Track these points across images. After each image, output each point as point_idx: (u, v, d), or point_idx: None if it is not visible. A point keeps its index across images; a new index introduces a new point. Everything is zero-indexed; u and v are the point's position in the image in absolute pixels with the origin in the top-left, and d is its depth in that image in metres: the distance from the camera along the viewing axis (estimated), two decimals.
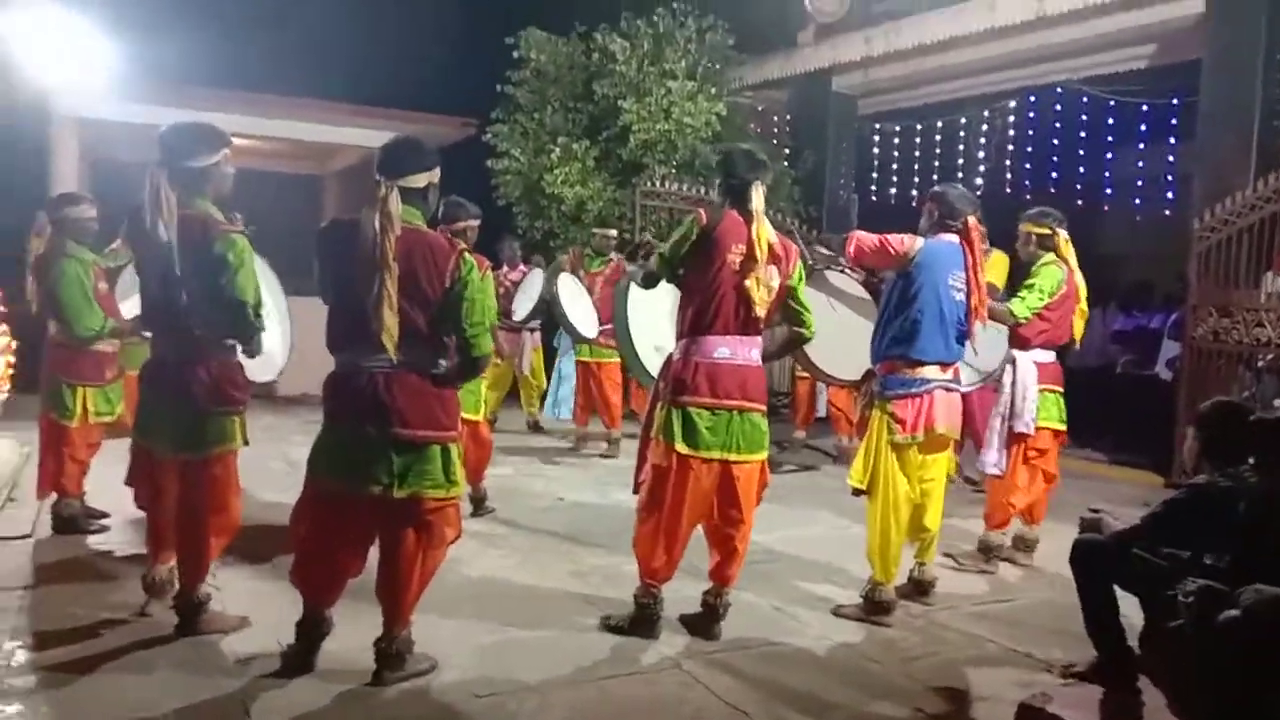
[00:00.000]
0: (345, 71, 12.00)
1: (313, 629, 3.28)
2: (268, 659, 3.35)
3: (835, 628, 4.06)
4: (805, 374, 7.85)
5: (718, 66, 10.73)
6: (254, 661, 3.37)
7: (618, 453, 7.67)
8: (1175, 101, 10.07)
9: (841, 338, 4.51)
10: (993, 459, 4.91)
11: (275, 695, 3.15)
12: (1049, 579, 4.82)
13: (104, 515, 4.98)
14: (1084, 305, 5.05)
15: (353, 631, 3.36)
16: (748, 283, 3.60)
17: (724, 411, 3.65)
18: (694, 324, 3.68)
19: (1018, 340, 4.87)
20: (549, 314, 7.84)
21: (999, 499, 5.00)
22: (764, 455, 3.81)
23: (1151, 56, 9.32)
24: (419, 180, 3.17)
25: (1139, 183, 11.84)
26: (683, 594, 3.90)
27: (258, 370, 4.05)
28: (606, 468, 7.32)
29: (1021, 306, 4.76)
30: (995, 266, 6.47)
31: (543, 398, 8.86)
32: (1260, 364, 7.45)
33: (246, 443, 3.71)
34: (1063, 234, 4.93)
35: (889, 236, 4.11)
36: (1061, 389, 5.01)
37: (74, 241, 4.73)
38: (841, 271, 4.73)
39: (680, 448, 3.63)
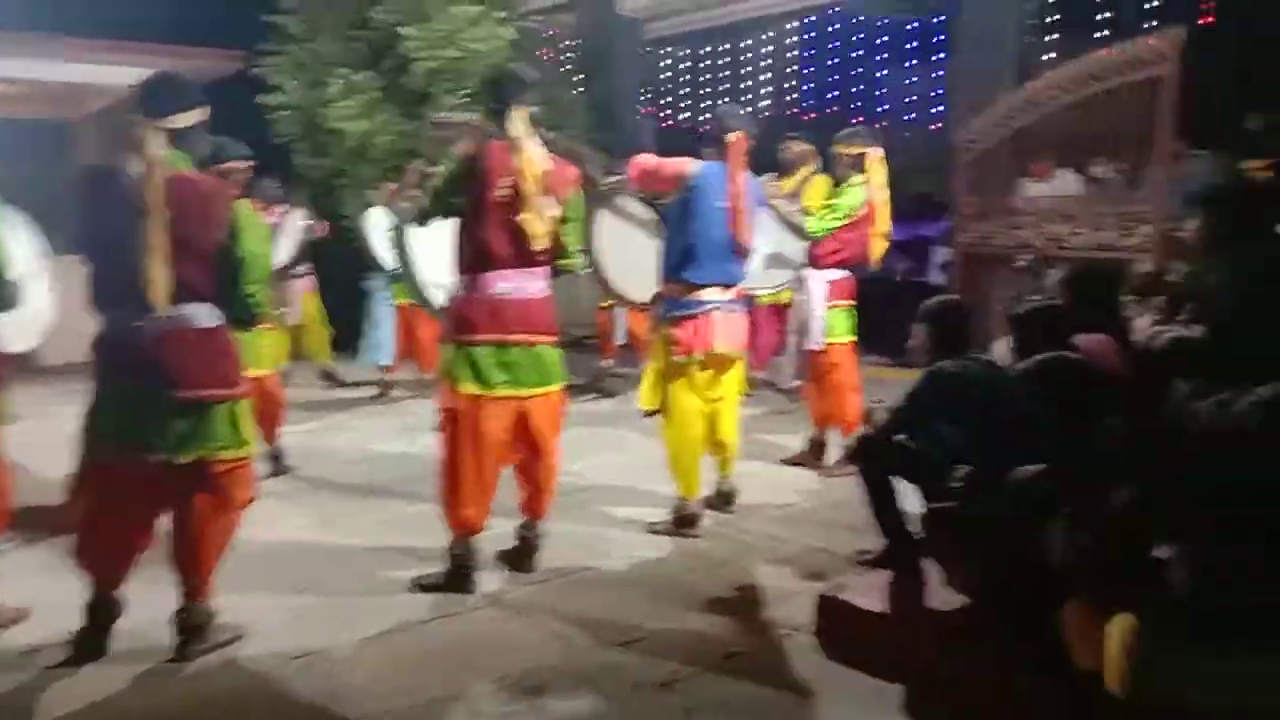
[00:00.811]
0: (93, 3, 10.90)
1: (102, 611, 3.08)
2: (56, 648, 3.12)
3: (648, 547, 4.20)
4: (605, 303, 7.97)
5: None
6: (40, 652, 3.14)
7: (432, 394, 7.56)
8: (942, 18, 10.62)
9: (635, 259, 4.57)
10: (790, 373, 5.18)
11: (69, 684, 2.96)
12: (845, 481, 5.13)
13: None
14: (884, 227, 5.18)
15: (148, 607, 3.17)
16: (522, 215, 3.49)
17: (510, 347, 3.59)
18: (472, 260, 3.57)
19: (810, 259, 5.05)
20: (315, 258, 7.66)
21: (824, 412, 5.24)
22: (558, 385, 3.77)
23: None
24: (183, 120, 2.95)
25: (910, 99, 12.49)
26: (497, 531, 3.89)
27: (14, 339, 3.70)
28: (414, 414, 7.17)
29: (816, 224, 4.94)
30: (817, 187, 6.67)
31: (334, 343, 8.51)
32: (1021, 264, 8.13)
33: (13, 420, 3.43)
34: (872, 153, 5.05)
35: (666, 160, 4.19)
36: (853, 303, 5.23)
37: None
38: (631, 196, 4.76)
39: (467, 388, 3.55)
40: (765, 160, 6.79)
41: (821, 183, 6.74)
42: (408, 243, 3.95)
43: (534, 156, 3.53)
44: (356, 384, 8.23)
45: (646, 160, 4.23)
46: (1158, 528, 2.30)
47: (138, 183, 2.81)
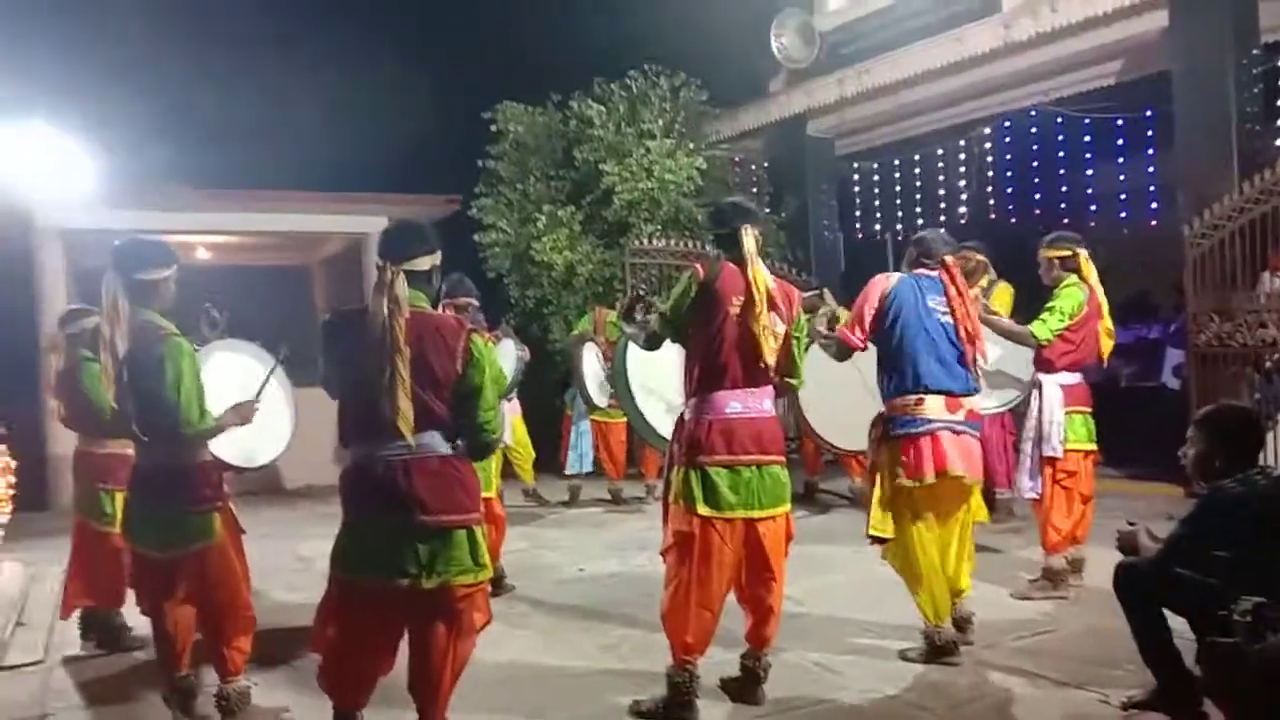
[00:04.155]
0: (326, 160, 12.11)
1: None
2: None
3: (879, 679, 3.93)
4: None
5: (693, 122, 10.85)
6: None
7: (622, 503, 8.26)
8: (1149, 113, 10.16)
9: (852, 408, 4.48)
10: (1027, 484, 4.95)
11: None
12: (1088, 603, 4.72)
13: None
14: (1109, 323, 5.05)
15: None
16: (754, 330, 3.52)
17: (743, 468, 3.55)
18: (702, 381, 3.60)
19: (1043, 363, 4.90)
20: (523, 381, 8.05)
21: (1046, 524, 4.96)
22: (787, 508, 3.70)
23: (1120, 72, 9.43)
24: (423, 263, 3.14)
25: (1122, 196, 11.90)
26: (717, 659, 3.76)
27: (261, 454, 4.03)
28: (622, 532, 7.21)
29: (1043, 329, 4.80)
30: (1000, 296, 6.48)
31: (535, 465, 8.79)
32: (1268, 365, 7.42)
33: (243, 531, 3.77)
34: (1083, 253, 4.99)
35: (865, 296, 4.13)
36: (1089, 409, 5.01)
37: (88, 350, 4.75)
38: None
39: (702, 510, 3.51)
40: None
41: (1004, 291, 6.52)
42: (631, 386, 4.03)
43: (762, 273, 3.60)
44: (564, 504, 8.39)
45: (851, 322, 4.16)
46: None
47: (384, 321, 2.97)
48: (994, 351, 5.12)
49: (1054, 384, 4.89)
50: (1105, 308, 5.03)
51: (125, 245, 3.64)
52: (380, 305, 2.96)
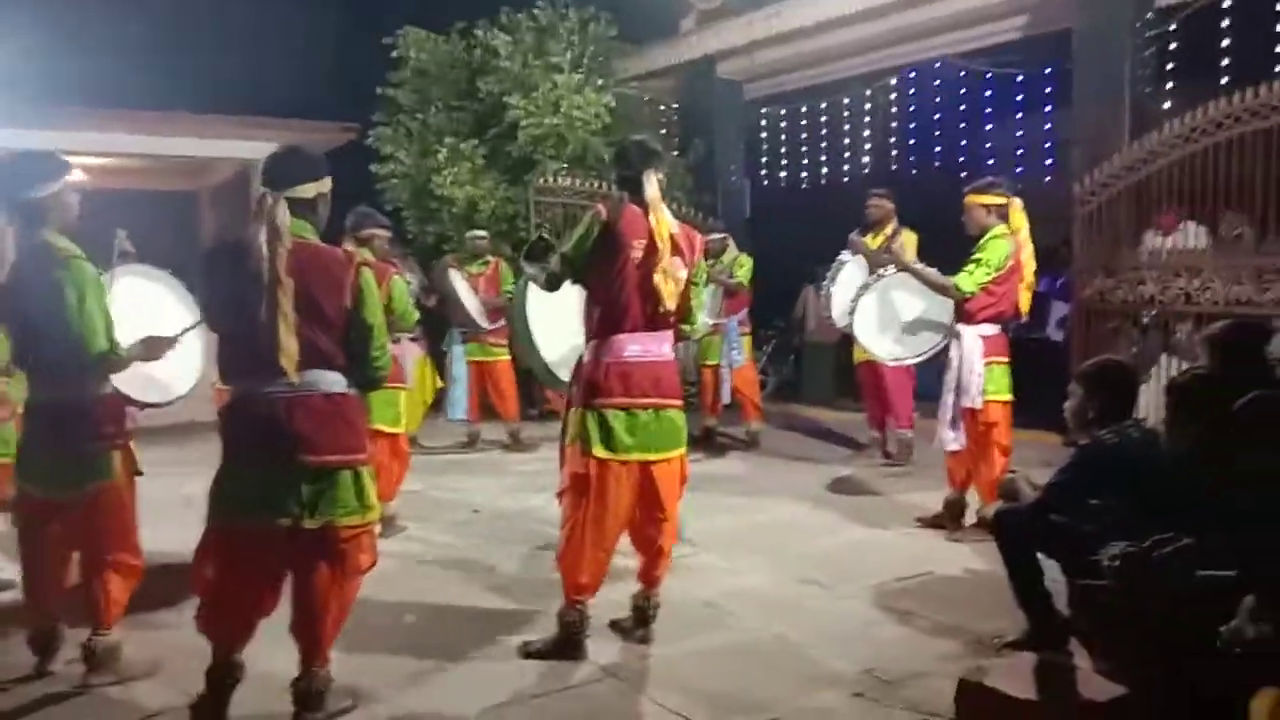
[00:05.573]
0: (217, 82, 11.48)
1: (224, 676, 3.03)
2: (177, 712, 3.11)
3: (766, 619, 4.02)
4: (710, 361, 7.96)
5: (603, 58, 10.63)
6: (162, 716, 3.15)
7: (520, 445, 8.07)
8: (1049, 71, 10.37)
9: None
10: (950, 435, 4.93)
11: None
12: (967, 548, 4.89)
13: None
14: (1030, 277, 5.00)
15: (267, 673, 3.14)
16: (655, 276, 3.50)
17: (639, 411, 3.55)
18: (602, 323, 3.57)
19: (963, 314, 4.86)
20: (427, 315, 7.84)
21: (977, 480, 4.99)
22: (682, 450, 3.73)
23: (1024, 28, 9.55)
24: (307, 191, 2.99)
25: (1019, 152, 12.17)
26: (608, 599, 3.78)
27: (166, 388, 3.79)
28: (519, 473, 7.17)
29: (968, 281, 4.76)
30: (907, 244, 6.55)
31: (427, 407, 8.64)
32: (1145, 321, 7.75)
33: (140, 473, 3.54)
34: (1016, 202, 4.91)
35: None
36: (1007, 360, 5.00)
37: None
38: None
39: (598, 452, 3.50)
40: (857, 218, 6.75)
41: (909, 239, 6.62)
42: (530, 327, 3.93)
43: (665, 219, 3.56)
44: (462, 445, 8.29)
45: None
46: None
47: (263, 252, 2.84)
48: (918, 304, 5.16)
49: (974, 335, 4.84)
50: (1031, 262, 4.96)
51: (7, 162, 3.34)
52: (259, 235, 2.82)
